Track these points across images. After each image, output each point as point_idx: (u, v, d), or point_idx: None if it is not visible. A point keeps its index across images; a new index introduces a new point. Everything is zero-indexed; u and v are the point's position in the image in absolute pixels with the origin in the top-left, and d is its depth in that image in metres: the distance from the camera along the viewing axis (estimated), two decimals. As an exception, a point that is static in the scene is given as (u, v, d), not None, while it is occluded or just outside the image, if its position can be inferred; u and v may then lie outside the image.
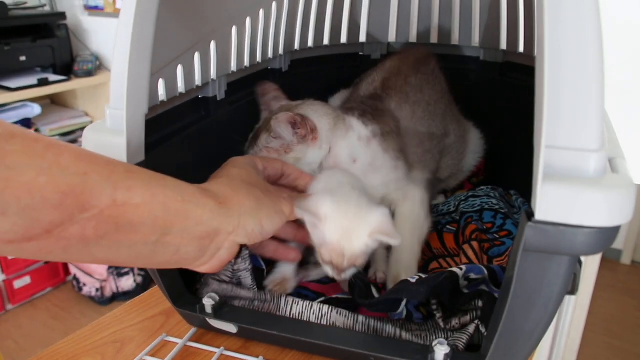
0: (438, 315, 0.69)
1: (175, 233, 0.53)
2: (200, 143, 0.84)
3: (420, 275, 0.70)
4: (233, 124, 0.92)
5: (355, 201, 0.74)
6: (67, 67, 3.09)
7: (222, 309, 0.70)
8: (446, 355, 0.59)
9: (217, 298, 0.70)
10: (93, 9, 3.15)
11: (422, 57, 1.10)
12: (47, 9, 3.24)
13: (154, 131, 0.68)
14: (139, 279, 3.20)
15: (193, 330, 0.76)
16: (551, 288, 0.52)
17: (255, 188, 0.64)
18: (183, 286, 0.73)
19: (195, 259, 0.58)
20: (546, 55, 0.45)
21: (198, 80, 0.82)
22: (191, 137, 0.81)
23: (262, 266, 0.79)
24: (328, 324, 0.71)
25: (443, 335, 0.68)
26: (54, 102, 3.47)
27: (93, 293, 3.18)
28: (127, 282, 3.17)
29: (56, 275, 3.34)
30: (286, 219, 0.67)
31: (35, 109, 3.01)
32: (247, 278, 0.74)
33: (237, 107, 0.92)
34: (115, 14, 3.04)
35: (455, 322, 0.69)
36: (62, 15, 3.07)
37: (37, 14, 3.07)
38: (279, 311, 0.72)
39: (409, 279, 0.69)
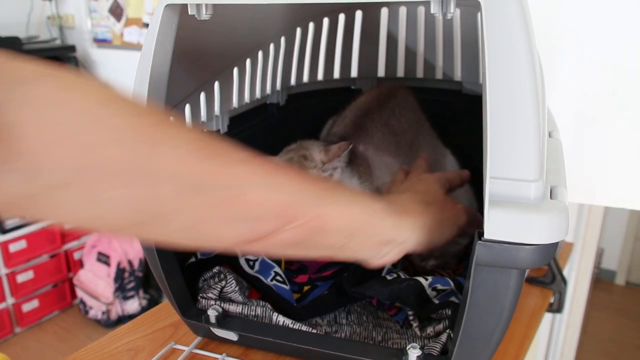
0: (415, 324, 0.79)
1: (359, 240, 0.62)
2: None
3: (399, 274, 0.80)
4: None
5: None
6: (76, 97, 3.19)
7: (225, 319, 0.80)
8: (418, 357, 0.69)
9: (220, 309, 0.79)
10: (101, 42, 3.27)
11: (388, 91, 1.21)
12: (58, 42, 3.36)
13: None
14: (144, 302, 3.27)
15: (198, 339, 0.85)
16: (503, 297, 0.61)
17: (434, 205, 0.74)
18: (191, 300, 0.83)
19: (369, 259, 0.66)
20: (488, 99, 0.55)
21: (203, 116, 0.92)
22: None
23: (293, 302, 0.89)
24: (316, 332, 0.80)
25: (420, 343, 0.77)
26: (62, 131, 3.57)
27: (99, 316, 3.26)
28: (133, 306, 3.25)
29: (63, 298, 3.42)
30: (459, 230, 0.76)
31: (44, 137, 3.11)
32: (237, 297, 0.85)
33: (238, 139, 1.02)
34: (123, 46, 3.16)
35: (430, 330, 0.78)
36: (72, 48, 3.20)
37: (48, 48, 3.20)
38: (271, 322, 0.82)
39: (386, 275, 0.80)
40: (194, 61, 0.85)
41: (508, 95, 0.55)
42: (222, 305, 0.82)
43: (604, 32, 1.22)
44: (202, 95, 0.91)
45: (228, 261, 0.88)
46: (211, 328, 0.80)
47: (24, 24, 3.31)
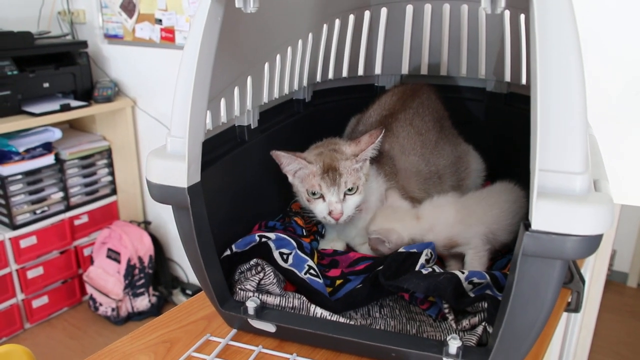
0: (450, 317, 0.80)
1: None
2: (239, 165, 0.95)
3: (434, 268, 0.81)
4: (264, 148, 1.03)
5: None
6: (87, 93, 3.22)
7: (263, 311, 0.81)
8: (458, 348, 0.70)
9: (259, 301, 0.80)
10: (112, 38, 3.27)
11: (412, 91, 1.22)
12: (69, 37, 3.37)
13: (203, 155, 0.79)
14: (154, 299, 3.28)
15: (234, 331, 0.86)
16: (546, 288, 0.62)
17: None
18: (228, 292, 0.84)
19: None
20: (538, 95, 0.56)
21: (237, 110, 0.93)
22: (232, 160, 0.92)
23: (327, 295, 0.90)
24: (354, 324, 0.81)
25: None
26: (72, 127, 3.59)
27: (109, 313, 3.26)
28: (142, 302, 3.25)
29: (73, 295, 3.42)
30: None
31: (56, 133, 3.12)
32: (274, 289, 0.86)
33: (267, 134, 1.03)
34: (134, 42, 3.17)
35: (465, 323, 0.79)
36: (84, 44, 3.20)
37: (60, 43, 3.20)
38: (308, 314, 0.83)
39: (421, 270, 0.81)
40: (230, 55, 0.86)
41: (558, 92, 0.56)
42: (259, 297, 0.83)
43: (624, 32, 1.24)
44: (236, 90, 0.92)
45: (262, 255, 0.89)
46: (249, 320, 0.81)
47: (35, 19, 3.32)
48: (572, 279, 1.88)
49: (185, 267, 3.47)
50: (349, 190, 0.99)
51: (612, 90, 1.27)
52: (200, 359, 0.81)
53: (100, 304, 3.29)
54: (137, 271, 3.21)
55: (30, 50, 2.95)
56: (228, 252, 0.89)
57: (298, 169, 1.01)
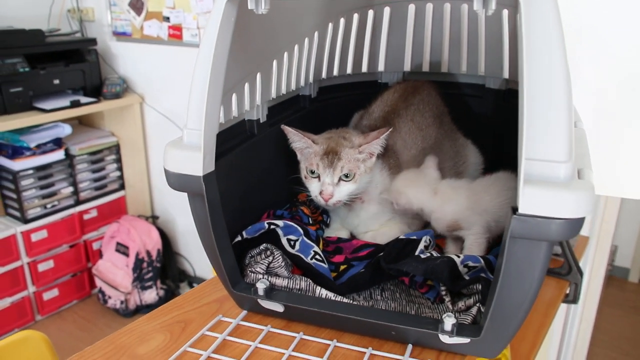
0: (447, 299, 0.85)
1: None
2: (249, 157, 1.01)
3: (432, 252, 0.87)
4: (272, 141, 1.08)
5: None
6: (96, 90, 3.28)
7: (272, 292, 0.86)
8: (453, 325, 0.75)
9: (268, 283, 0.86)
10: (121, 35, 3.33)
11: (413, 88, 1.28)
12: (78, 35, 3.43)
13: (216, 147, 0.85)
14: (162, 292, 3.34)
15: (244, 312, 0.92)
16: (533, 268, 0.67)
17: None
18: (239, 275, 0.89)
19: None
20: (525, 90, 0.61)
21: (247, 105, 0.99)
22: (243, 151, 0.98)
23: (331, 278, 0.96)
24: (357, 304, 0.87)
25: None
26: (81, 123, 3.64)
27: (117, 305, 3.32)
28: (151, 295, 3.31)
29: (82, 288, 3.48)
30: None
31: (66, 129, 3.18)
32: (282, 272, 0.92)
33: (275, 128, 1.09)
34: (142, 39, 3.22)
35: (461, 304, 0.84)
36: (93, 41, 3.26)
37: (70, 40, 3.26)
38: (314, 295, 0.88)
39: (420, 254, 0.86)
40: (242, 53, 0.91)
41: (543, 87, 0.61)
42: (269, 279, 0.88)
43: (622, 29, 1.27)
44: (247, 86, 0.97)
45: (271, 241, 0.95)
46: (259, 300, 0.86)
47: (45, 16, 3.38)
48: (570, 270, 1.93)
49: (192, 261, 3.53)
50: (345, 176, 1.04)
51: (611, 86, 1.31)
52: (213, 337, 0.86)
53: (109, 297, 3.35)
54: (145, 264, 3.27)
55: (41, 48, 3.01)
56: (239, 238, 0.95)
57: (305, 147, 1.07)
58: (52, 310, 3.33)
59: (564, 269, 1.94)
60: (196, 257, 3.50)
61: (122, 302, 3.30)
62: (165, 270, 3.45)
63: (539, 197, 0.61)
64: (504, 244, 0.66)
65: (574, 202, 0.61)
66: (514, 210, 0.63)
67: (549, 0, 0.61)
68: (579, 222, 0.62)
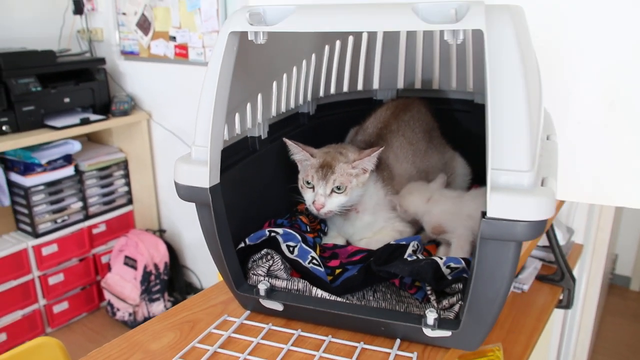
0: (432, 298, 0.93)
1: None
2: (251, 171, 1.10)
3: (418, 256, 0.95)
4: (273, 156, 1.17)
5: None
6: (105, 107, 3.38)
7: (272, 292, 0.95)
8: (435, 319, 0.84)
9: (268, 284, 0.95)
10: (129, 54, 3.43)
11: (404, 105, 1.37)
12: (88, 55, 3.53)
13: (221, 162, 0.93)
14: (169, 305, 3.41)
15: (247, 312, 1.01)
16: (504, 266, 0.76)
17: None
18: (243, 277, 0.98)
19: None
20: (490, 107, 0.70)
21: (249, 123, 1.08)
22: (246, 166, 1.07)
23: (327, 281, 1.04)
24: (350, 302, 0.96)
25: (436, 312, 0.92)
26: (90, 139, 3.74)
27: (126, 317, 3.39)
28: (158, 308, 3.38)
29: (91, 301, 3.56)
30: None
31: (75, 146, 3.27)
32: (282, 274, 1.01)
33: (276, 144, 1.18)
34: (149, 58, 3.32)
35: (445, 302, 0.92)
36: (102, 61, 3.37)
37: (80, 60, 3.37)
38: (311, 295, 0.97)
39: (407, 257, 0.95)
40: (244, 76, 1.00)
41: (506, 104, 0.70)
42: (269, 280, 0.97)
43: (606, 43, 1.30)
44: (248, 106, 1.06)
45: (272, 247, 1.04)
46: (260, 300, 0.95)
47: (56, 37, 3.50)
48: (563, 277, 2.01)
49: (198, 274, 3.60)
50: (337, 188, 1.13)
51: (601, 98, 1.32)
52: (218, 335, 0.95)
53: (118, 309, 3.42)
54: (153, 277, 3.34)
55: (53, 68, 3.12)
56: (242, 245, 1.03)
57: (304, 159, 1.16)
58: (62, 323, 3.40)
59: (557, 275, 2.03)
60: (202, 269, 3.58)
61: (130, 314, 3.37)
62: (172, 283, 3.53)
63: (504, 203, 0.70)
64: (476, 245, 0.75)
65: (536, 207, 0.70)
66: (484, 214, 0.72)
67: (509, 28, 0.70)
68: (542, 223, 0.71)
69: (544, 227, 0.71)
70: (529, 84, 0.72)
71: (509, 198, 0.70)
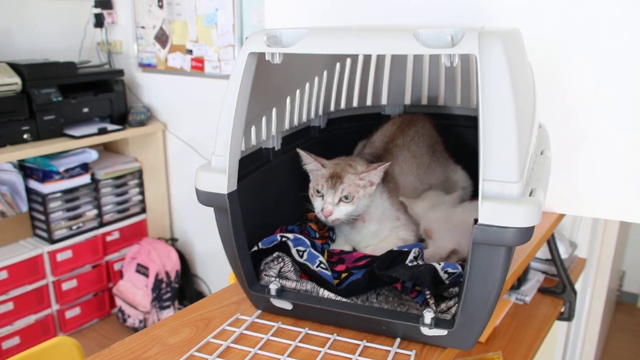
0: (431, 301, 1.00)
1: None
2: (265, 180, 1.18)
3: (418, 262, 1.02)
4: (286, 167, 1.25)
5: None
6: (122, 118, 3.48)
7: (282, 292, 1.03)
8: (432, 319, 0.91)
9: (279, 285, 1.02)
10: (146, 66, 3.52)
11: (409, 120, 1.46)
12: (107, 66, 3.63)
13: (239, 170, 1.01)
14: (180, 311, 3.46)
15: (258, 312, 1.08)
16: (494, 270, 0.83)
17: None
18: (255, 278, 1.06)
19: None
20: (481, 124, 0.77)
21: (264, 135, 1.16)
22: (260, 176, 1.15)
23: (333, 282, 1.11)
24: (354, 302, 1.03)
25: (434, 314, 0.99)
26: (107, 149, 3.83)
27: (136, 324, 3.46)
28: (169, 315, 3.43)
29: (103, 307, 3.62)
30: None
31: (92, 155, 3.37)
32: (291, 276, 1.08)
33: (289, 155, 1.26)
34: (166, 70, 3.41)
35: (443, 305, 0.99)
36: (121, 72, 3.46)
37: (99, 72, 3.48)
38: (318, 295, 1.04)
39: (407, 262, 1.02)
40: (261, 92, 1.08)
41: (496, 121, 0.78)
42: (280, 281, 1.05)
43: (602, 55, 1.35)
44: (264, 120, 1.14)
45: (283, 251, 1.11)
46: (271, 299, 1.03)
47: (77, 50, 3.60)
48: (565, 290, 2.07)
49: (208, 282, 3.66)
50: (345, 197, 1.20)
51: (603, 113, 1.37)
52: (231, 331, 1.02)
53: (129, 316, 3.49)
54: (164, 285, 3.40)
55: (73, 79, 3.22)
56: (255, 248, 1.11)
57: (315, 169, 1.24)
58: (73, 328, 3.47)
59: (558, 288, 2.08)
60: (213, 278, 3.64)
61: (140, 322, 3.44)
62: (183, 291, 3.60)
63: (494, 210, 0.77)
64: (469, 250, 0.82)
65: (523, 215, 0.77)
66: (476, 221, 0.79)
67: (500, 52, 0.77)
68: (529, 230, 0.78)
69: (531, 234, 0.79)
70: (520, 103, 0.79)
71: (498, 206, 0.77)
